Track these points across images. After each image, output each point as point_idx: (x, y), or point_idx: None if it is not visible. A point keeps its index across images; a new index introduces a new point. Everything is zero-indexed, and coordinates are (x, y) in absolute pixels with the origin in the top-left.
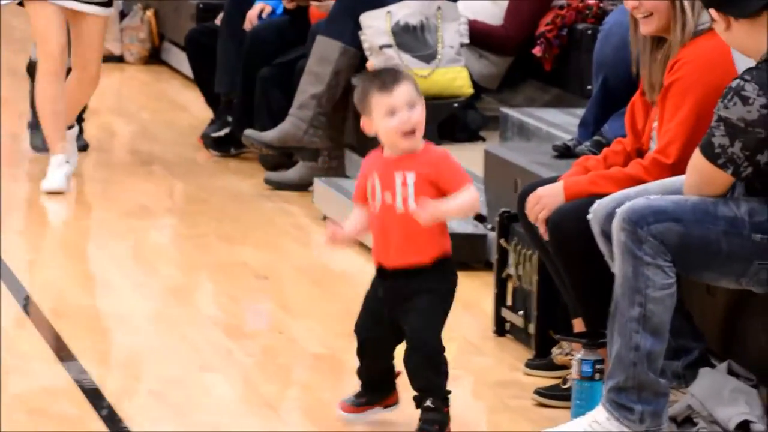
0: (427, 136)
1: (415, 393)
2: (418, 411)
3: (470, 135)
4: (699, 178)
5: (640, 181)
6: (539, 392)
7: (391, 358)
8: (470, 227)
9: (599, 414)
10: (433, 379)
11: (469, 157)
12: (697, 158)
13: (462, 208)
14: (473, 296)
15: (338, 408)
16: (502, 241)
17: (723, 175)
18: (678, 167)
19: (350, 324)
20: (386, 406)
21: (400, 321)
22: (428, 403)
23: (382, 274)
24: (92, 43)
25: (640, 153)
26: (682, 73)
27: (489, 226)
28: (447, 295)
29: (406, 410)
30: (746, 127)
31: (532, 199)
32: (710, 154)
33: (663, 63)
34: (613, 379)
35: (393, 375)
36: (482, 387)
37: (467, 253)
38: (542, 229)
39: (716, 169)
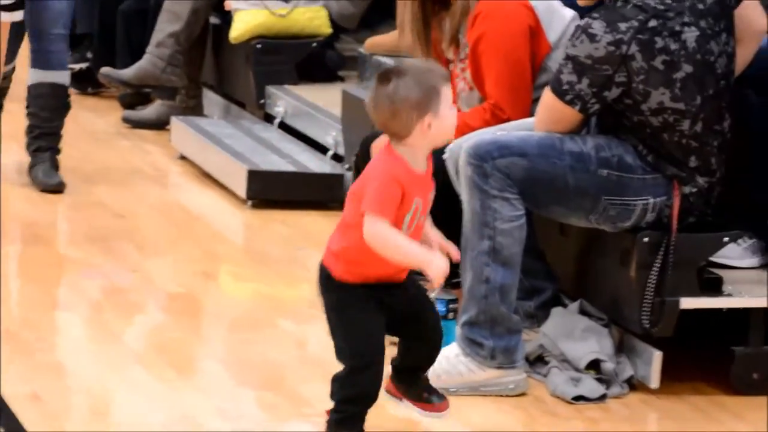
0: (286, 75)
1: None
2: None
3: (328, 75)
4: (548, 115)
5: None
6: None
7: None
8: (327, 167)
9: (450, 351)
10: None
11: (327, 97)
12: (546, 95)
13: None
14: (330, 235)
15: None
16: None
17: (571, 111)
18: (515, 118)
19: (206, 263)
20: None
21: (412, 319)
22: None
23: (392, 286)
24: None
25: None
26: (484, 27)
27: (346, 166)
28: None
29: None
30: (593, 64)
31: (378, 143)
32: (558, 91)
33: (454, 21)
34: (466, 314)
35: None
36: None
37: (324, 192)
38: None
39: (564, 106)
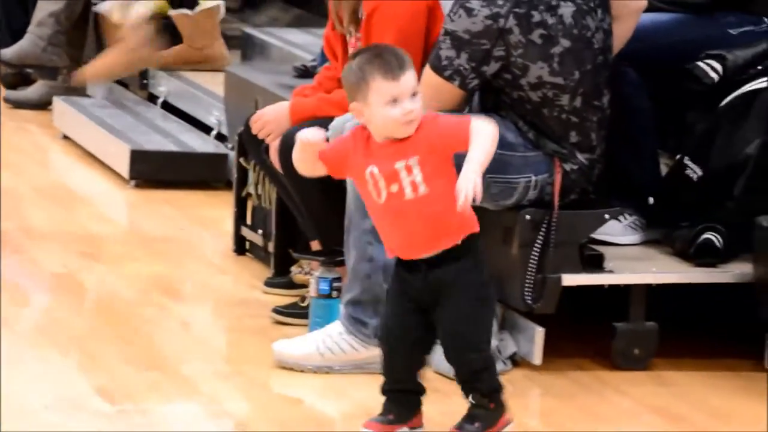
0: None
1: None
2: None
3: None
4: (429, 92)
5: None
6: (277, 310)
7: (424, 362)
8: (211, 147)
9: (333, 329)
10: (475, 372)
11: (210, 77)
12: (426, 72)
13: (487, 150)
14: (214, 215)
15: (363, 428)
16: (241, 160)
17: (451, 87)
18: None
19: (89, 243)
20: (412, 428)
21: (433, 316)
22: (470, 398)
23: (408, 265)
24: None
25: None
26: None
27: (229, 146)
28: (483, 289)
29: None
30: (471, 38)
31: (255, 118)
32: (438, 67)
33: None
34: (350, 293)
35: (420, 389)
36: (222, 306)
37: (208, 172)
38: (273, 155)
39: (444, 82)
